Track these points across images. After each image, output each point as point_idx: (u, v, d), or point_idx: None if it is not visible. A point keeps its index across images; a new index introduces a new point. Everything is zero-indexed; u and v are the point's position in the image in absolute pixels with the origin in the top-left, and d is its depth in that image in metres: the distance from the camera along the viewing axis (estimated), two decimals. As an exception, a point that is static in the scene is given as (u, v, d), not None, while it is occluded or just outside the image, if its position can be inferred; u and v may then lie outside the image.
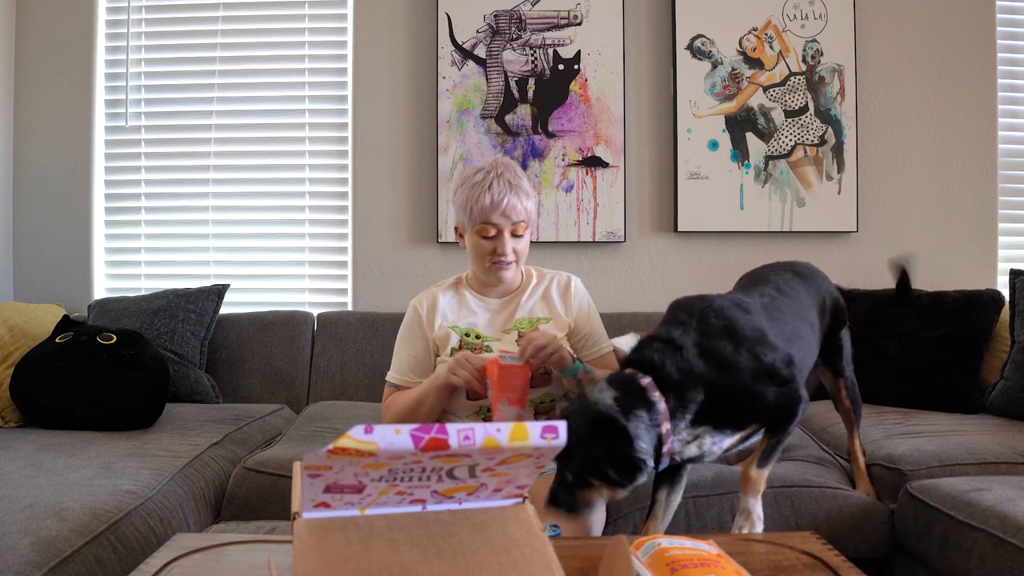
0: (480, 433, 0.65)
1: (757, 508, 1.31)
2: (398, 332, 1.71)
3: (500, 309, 1.66)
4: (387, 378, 1.69)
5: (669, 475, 1.40)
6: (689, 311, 1.32)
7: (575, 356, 1.53)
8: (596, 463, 1.20)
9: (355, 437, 0.62)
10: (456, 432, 0.65)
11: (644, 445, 1.21)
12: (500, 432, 0.66)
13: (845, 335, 1.67)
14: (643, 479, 1.22)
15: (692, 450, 1.28)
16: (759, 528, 1.29)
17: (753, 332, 1.30)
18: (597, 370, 1.55)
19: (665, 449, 1.22)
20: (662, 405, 1.23)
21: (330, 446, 0.62)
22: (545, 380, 1.57)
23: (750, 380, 1.26)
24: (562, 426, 0.68)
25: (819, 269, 1.68)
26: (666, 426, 1.22)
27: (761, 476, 1.32)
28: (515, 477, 0.75)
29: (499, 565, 0.73)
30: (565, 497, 1.24)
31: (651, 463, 1.22)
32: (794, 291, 1.51)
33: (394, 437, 0.63)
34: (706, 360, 1.26)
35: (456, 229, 1.66)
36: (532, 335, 1.49)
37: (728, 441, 1.31)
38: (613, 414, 1.21)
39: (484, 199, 1.54)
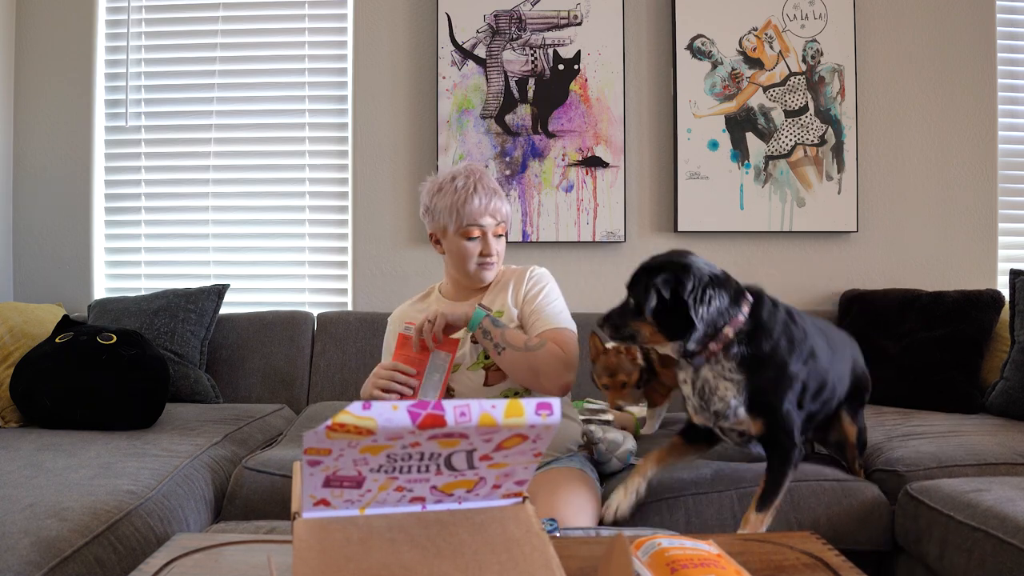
0: (476, 409, 0.66)
1: None
2: None
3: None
4: None
5: (696, 440, 1.55)
6: (777, 303, 1.47)
7: (486, 308, 1.55)
8: (650, 291, 1.35)
9: (353, 413, 0.63)
10: (452, 408, 0.65)
11: (704, 309, 1.34)
12: (496, 408, 0.66)
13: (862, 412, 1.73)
14: (689, 343, 1.37)
15: (712, 386, 1.41)
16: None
17: (809, 352, 1.46)
18: (505, 323, 1.57)
19: (714, 346, 1.37)
20: (740, 318, 1.38)
21: (329, 422, 0.63)
22: (501, 376, 1.60)
23: (780, 378, 1.40)
24: (555, 403, 0.68)
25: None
26: (729, 331, 1.37)
27: (760, 521, 1.40)
28: (513, 470, 0.75)
29: (499, 565, 0.73)
30: (617, 320, 1.42)
31: (699, 331, 1.35)
32: (842, 345, 1.65)
33: (392, 413, 0.63)
34: (784, 333, 1.41)
35: (432, 236, 1.70)
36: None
37: (732, 404, 1.40)
38: (695, 268, 1.37)
39: (473, 201, 1.61)
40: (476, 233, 1.62)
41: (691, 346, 1.38)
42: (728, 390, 1.40)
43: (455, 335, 1.53)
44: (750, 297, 1.41)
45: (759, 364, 1.39)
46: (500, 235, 1.67)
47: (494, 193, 1.64)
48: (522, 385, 1.60)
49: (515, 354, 1.50)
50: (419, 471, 0.71)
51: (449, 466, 0.72)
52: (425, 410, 0.64)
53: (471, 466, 0.73)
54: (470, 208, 1.60)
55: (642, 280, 1.39)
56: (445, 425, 0.65)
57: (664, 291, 1.35)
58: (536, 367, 1.51)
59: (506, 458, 0.73)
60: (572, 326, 1.65)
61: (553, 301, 1.67)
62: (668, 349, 1.43)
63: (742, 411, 1.40)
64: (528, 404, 0.67)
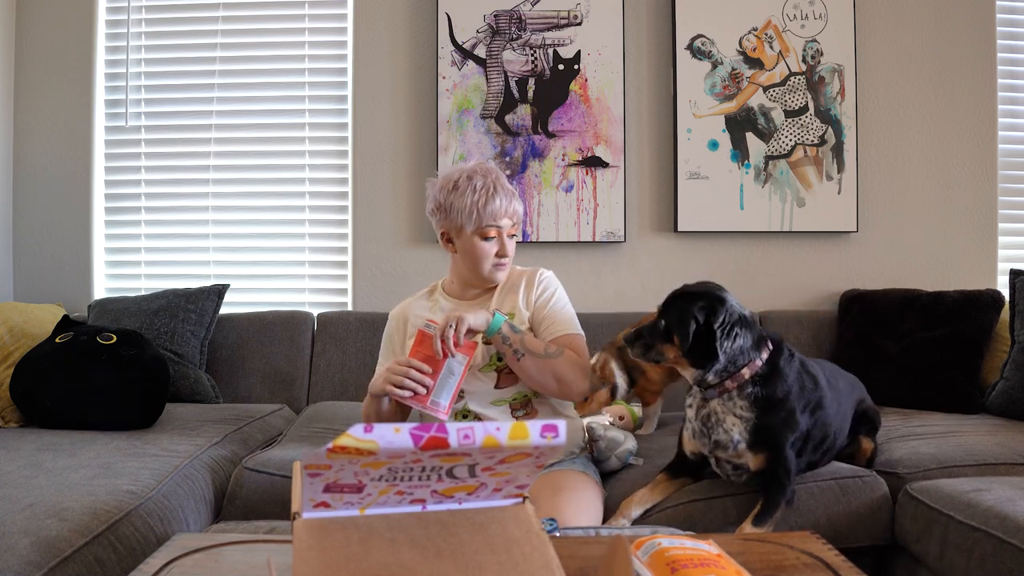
0: (480, 432, 0.65)
1: None
2: None
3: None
4: None
5: (680, 474, 1.62)
6: (794, 353, 1.57)
7: (504, 313, 1.57)
8: (684, 317, 1.43)
9: (355, 436, 0.62)
10: (456, 431, 0.64)
11: (729, 343, 1.43)
12: (500, 431, 0.66)
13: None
14: (708, 374, 1.45)
15: (719, 418, 1.48)
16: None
17: (816, 403, 1.54)
18: (523, 328, 1.59)
19: (729, 384, 1.45)
20: (758, 362, 1.46)
21: (330, 445, 0.62)
22: (513, 379, 1.60)
23: (787, 421, 1.47)
24: (561, 425, 0.68)
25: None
26: (746, 372, 1.45)
27: (755, 535, 1.46)
28: (515, 476, 0.75)
29: (499, 565, 0.73)
30: (645, 339, 1.50)
31: (720, 364, 1.43)
32: (848, 392, 1.73)
33: (394, 436, 0.63)
34: (797, 382, 1.51)
35: (443, 234, 1.68)
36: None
37: (735, 438, 1.47)
38: (729, 304, 1.46)
39: (495, 202, 1.60)
40: (493, 234, 1.62)
41: (710, 377, 1.46)
42: (735, 426, 1.47)
43: (474, 338, 1.52)
44: (771, 345, 1.49)
45: (770, 406, 1.46)
46: (513, 235, 1.67)
47: (512, 194, 1.65)
48: (538, 391, 1.60)
49: (535, 361, 1.52)
50: (420, 479, 0.71)
51: (451, 475, 0.72)
52: (428, 433, 0.63)
53: (473, 475, 0.72)
54: (492, 209, 1.60)
55: (678, 305, 1.47)
56: (448, 447, 0.64)
57: (699, 317, 1.43)
58: (557, 374, 1.52)
59: (508, 468, 0.72)
60: (582, 331, 1.65)
61: (565, 306, 1.68)
62: (688, 374, 1.50)
63: (743, 447, 1.47)
64: (533, 427, 0.67)
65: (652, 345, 1.50)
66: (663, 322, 1.48)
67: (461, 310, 1.55)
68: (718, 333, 1.42)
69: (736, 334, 1.44)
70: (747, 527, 1.44)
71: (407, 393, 1.45)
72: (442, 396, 1.46)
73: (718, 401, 1.48)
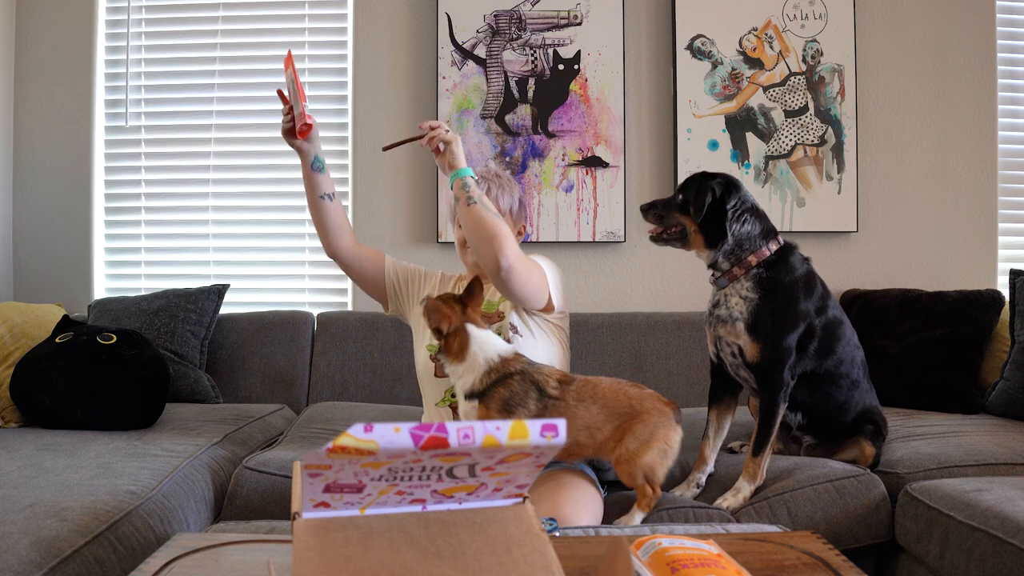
0: (480, 431, 0.65)
1: (746, 490, 1.57)
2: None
3: None
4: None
5: (723, 395, 1.69)
6: (808, 259, 1.66)
7: (471, 174, 1.57)
8: (702, 189, 1.55)
9: (354, 435, 0.62)
10: (456, 430, 0.65)
11: (738, 227, 1.55)
12: (500, 430, 0.66)
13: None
14: (719, 255, 1.56)
15: (725, 300, 1.58)
16: (736, 502, 1.56)
17: (822, 306, 1.62)
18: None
19: (737, 271, 1.55)
20: (766, 251, 1.56)
21: (330, 445, 0.62)
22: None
23: (788, 308, 1.55)
24: (561, 425, 0.68)
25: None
26: (753, 259, 1.55)
27: (756, 464, 1.57)
28: (515, 476, 0.75)
29: (499, 565, 0.73)
30: (660, 211, 1.64)
31: (729, 244, 1.54)
32: (856, 349, 1.77)
33: (393, 436, 0.63)
34: (804, 278, 1.58)
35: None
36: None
37: (735, 315, 1.55)
38: (744, 190, 1.58)
39: None
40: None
41: (720, 259, 1.56)
42: (737, 305, 1.55)
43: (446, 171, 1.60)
44: (781, 240, 1.59)
45: (773, 288, 1.54)
46: None
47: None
48: (473, 245, 1.54)
49: (483, 213, 1.49)
50: (420, 479, 0.71)
51: (451, 475, 0.72)
52: (428, 432, 0.64)
53: (472, 475, 0.72)
54: None
55: (697, 181, 1.58)
56: (448, 447, 0.64)
57: (716, 191, 1.54)
58: (495, 231, 1.47)
59: (508, 468, 0.72)
60: (543, 270, 1.60)
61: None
62: (703, 256, 1.62)
63: (741, 325, 1.55)
64: (533, 426, 0.67)
65: (667, 215, 1.61)
66: (680, 196, 1.60)
67: (455, 146, 1.58)
68: (729, 213, 1.53)
69: (745, 219, 1.54)
70: (749, 462, 1.56)
71: (289, 124, 1.73)
72: (297, 105, 1.72)
73: (729, 288, 1.57)
